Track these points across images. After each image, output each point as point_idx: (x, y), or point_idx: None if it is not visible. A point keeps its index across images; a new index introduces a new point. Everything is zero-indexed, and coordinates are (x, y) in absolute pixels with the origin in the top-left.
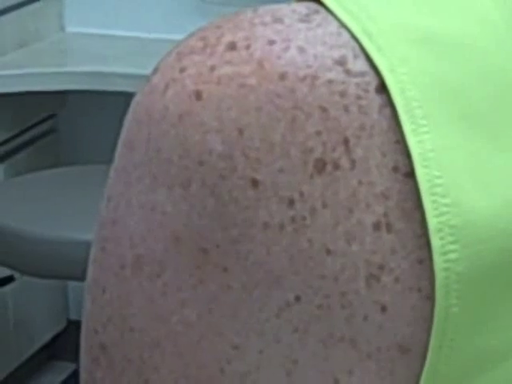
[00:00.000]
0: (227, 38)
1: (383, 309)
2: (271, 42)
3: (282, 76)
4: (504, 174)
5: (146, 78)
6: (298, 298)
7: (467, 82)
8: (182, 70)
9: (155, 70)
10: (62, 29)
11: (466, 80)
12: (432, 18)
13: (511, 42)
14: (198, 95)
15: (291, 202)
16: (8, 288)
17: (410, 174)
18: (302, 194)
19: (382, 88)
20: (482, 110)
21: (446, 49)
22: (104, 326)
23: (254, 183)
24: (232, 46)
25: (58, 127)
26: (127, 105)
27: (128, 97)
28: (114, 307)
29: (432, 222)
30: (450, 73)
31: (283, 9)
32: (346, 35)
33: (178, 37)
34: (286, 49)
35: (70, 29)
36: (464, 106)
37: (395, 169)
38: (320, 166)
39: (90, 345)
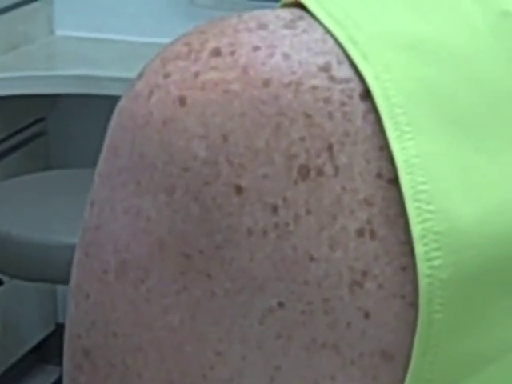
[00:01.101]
0: (211, 44)
1: (366, 315)
2: (256, 48)
3: (267, 82)
4: (491, 178)
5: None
6: (281, 304)
7: (454, 88)
8: (166, 76)
9: (140, 76)
10: (52, 32)
11: (453, 86)
12: (418, 25)
13: (497, 49)
14: (182, 101)
15: (275, 209)
16: None
17: (394, 181)
18: (285, 201)
19: (367, 94)
20: (469, 116)
21: (433, 55)
22: (87, 331)
23: (238, 189)
24: (216, 52)
25: (47, 130)
26: None
27: (118, 100)
28: (97, 312)
29: (416, 228)
30: (437, 79)
31: (268, 15)
32: (330, 41)
33: (168, 40)
34: (271, 55)
35: (60, 32)
36: (451, 112)
37: (379, 175)
38: (304, 172)
39: (73, 349)
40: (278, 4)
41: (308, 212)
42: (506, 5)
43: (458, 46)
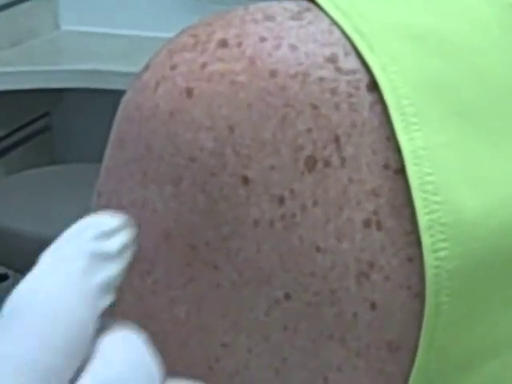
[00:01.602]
0: (218, 35)
1: (373, 306)
2: (263, 40)
3: (273, 73)
4: (497, 171)
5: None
6: (287, 296)
7: (460, 79)
8: (173, 68)
9: (146, 67)
10: (57, 27)
11: (458, 77)
12: (425, 16)
13: (503, 41)
14: (189, 92)
15: (282, 200)
16: (2, 286)
17: (401, 171)
18: (292, 192)
19: (373, 86)
20: (474, 108)
21: (439, 46)
22: None
23: (245, 181)
24: (223, 43)
25: (52, 125)
26: None
27: (123, 95)
28: None
29: (422, 219)
30: (443, 70)
31: (274, 6)
32: (337, 33)
33: (174, 35)
34: (278, 46)
35: (65, 27)
36: (457, 103)
37: (386, 166)
38: (311, 163)
39: None
40: None
41: (315, 203)
42: None
43: (463, 38)
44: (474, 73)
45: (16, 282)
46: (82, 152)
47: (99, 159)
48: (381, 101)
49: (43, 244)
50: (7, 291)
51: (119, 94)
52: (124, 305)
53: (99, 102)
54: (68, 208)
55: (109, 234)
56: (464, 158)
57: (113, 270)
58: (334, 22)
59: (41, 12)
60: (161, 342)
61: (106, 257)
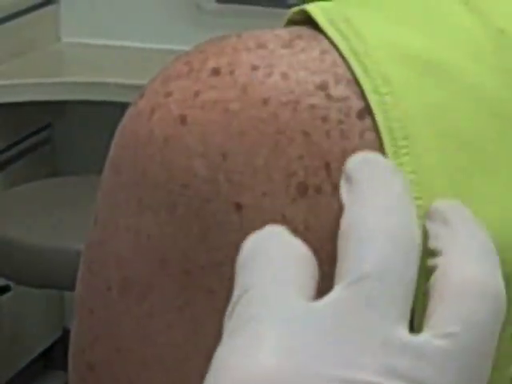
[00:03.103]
0: (211, 64)
1: None
2: (255, 68)
3: (265, 101)
4: (489, 196)
5: (143, 88)
6: None
7: (452, 102)
8: (167, 95)
9: (141, 94)
10: (58, 39)
11: (450, 99)
12: (420, 38)
13: (496, 67)
14: (183, 120)
15: None
16: (4, 297)
17: None
18: (284, 217)
19: (364, 112)
20: (468, 130)
21: (432, 68)
22: (91, 346)
23: (238, 207)
24: (216, 72)
25: (54, 137)
26: (123, 115)
27: (124, 107)
28: (101, 327)
29: None
30: (435, 91)
31: (267, 34)
32: (328, 60)
33: (175, 47)
34: (270, 74)
35: (66, 39)
36: (452, 125)
37: None
38: (302, 189)
39: (77, 363)
40: (288, 12)
41: (306, 228)
42: (500, 22)
43: (455, 60)
44: (465, 95)
45: (18, 294)
46: (83, 164)
47: (101, 171)
48: (372, 127)
49: (44, 256)
50: (9, 302)
51: (121, 106)
52: (122, 328)
53: (101, 114)
54: (70, 220)
55: None
56: (456, 181)
57: None
58: (331, 42)
59: (42, 24)
60: (159, 365)
61: None
